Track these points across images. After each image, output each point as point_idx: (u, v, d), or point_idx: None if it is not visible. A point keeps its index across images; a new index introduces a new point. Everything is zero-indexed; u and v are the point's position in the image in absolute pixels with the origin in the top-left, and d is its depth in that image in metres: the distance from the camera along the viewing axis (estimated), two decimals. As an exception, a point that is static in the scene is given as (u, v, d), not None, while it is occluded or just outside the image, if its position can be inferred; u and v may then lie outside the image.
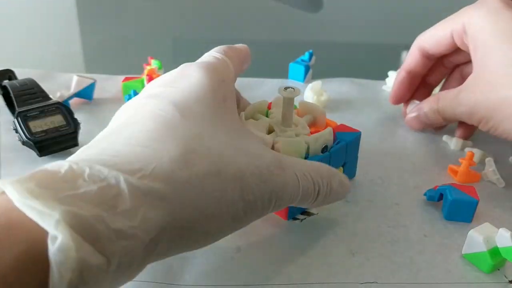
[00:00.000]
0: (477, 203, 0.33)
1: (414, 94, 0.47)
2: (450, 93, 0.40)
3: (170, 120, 0.24)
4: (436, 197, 0.35)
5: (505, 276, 0.30)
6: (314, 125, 0.35)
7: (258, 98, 0.37)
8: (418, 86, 0.47)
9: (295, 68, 0.55)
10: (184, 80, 0.27)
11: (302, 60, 0.55)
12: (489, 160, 0.39)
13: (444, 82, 0.47)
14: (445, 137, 0.44)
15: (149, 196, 0.21)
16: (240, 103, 0.36)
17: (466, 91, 0.38)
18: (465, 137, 0.44)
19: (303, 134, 0.33)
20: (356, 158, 0.37)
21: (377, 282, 0.29)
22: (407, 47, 0.45)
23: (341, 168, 0.35)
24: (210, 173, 0.23)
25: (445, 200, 0.34)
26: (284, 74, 0.56)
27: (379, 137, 0.45)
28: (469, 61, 0.42)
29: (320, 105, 0.49)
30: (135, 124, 0.24)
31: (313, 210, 0.34)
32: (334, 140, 0.34)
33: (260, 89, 0.53)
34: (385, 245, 0.32)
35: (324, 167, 0.30)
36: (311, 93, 0.49)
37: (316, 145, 0.32)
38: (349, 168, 0.37)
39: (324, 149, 0.33)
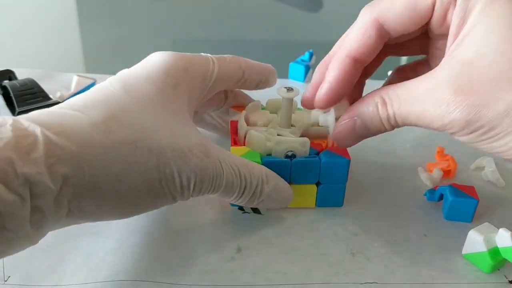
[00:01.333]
0: (477, 203, 0.33)
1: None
2: (411, 91, 0.27)
3: (110, 92, 0.27)
4: (436, 197, 0.35)
5: (505, 276, 0.30)
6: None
7: (258, 97, 0.37)
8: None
9: (295, 68, 0.55)
10: (145, 61, 0.30)
11: (302, 60, 0.55)
12: (489, 160, 0.39)
13: (394, 73, 0.35)
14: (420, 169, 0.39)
15: (62, 151, 0.23)
16: (228, 98, 0.38)
17: (453, 90, 0.25)
18: None
19: (285, 135, 0.33)
20: (342, 185, 0.34)
21: (377, 283, 0.29)
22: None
23: (314, 186, 0.34)
24: (125, 141, 0.25)
25: (445, 200, 0.34)
26: (284, 74, 0.56)
27: (379, 137, 0.45)
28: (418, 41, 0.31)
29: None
30: (82, 95, 0.27)
31: (261, 210, 0.34)
32: (318, 154, 0.33)
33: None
34: (385, 245, 0.32)
35: (259, 168, 0.30)
36: (311, 93, 0.49)
37: (277, 147, 0.32)
38: (330, 193, 0.34)
39: (292, 156, 0.32)
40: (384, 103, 0.28)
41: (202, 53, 0.32)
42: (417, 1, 0.28)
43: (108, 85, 0.28)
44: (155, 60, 0.30)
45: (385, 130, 0.30)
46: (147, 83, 0.28)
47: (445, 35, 0.28)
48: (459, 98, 0.25)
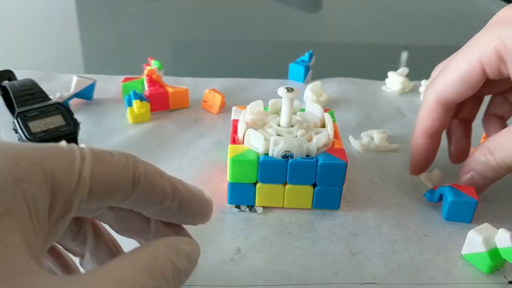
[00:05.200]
0: (476, 203, 0.33)
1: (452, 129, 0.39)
2: (506, 137, 0.32)
3: None
4: (436, 197, 0.35)
5: (505, 277, 0.30)
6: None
7: (258, 98, 0.37)
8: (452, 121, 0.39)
9: (295, 68, 0.55)
10: None
11: (302, 61, 0.55)
12: None
13: (486, 114, 0.39)
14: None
15: None
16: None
17: None
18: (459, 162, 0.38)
19: (284, 135, 0.33)
20: (338, 187, 0.33)
21: (376, 283, 0.29)
22: (407, 47, 0.45)
23: (311, 188, 0.34)
24: None
25: (445, 200, 0.34)
26: (284, 74, 0.56)
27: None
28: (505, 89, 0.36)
29: (320, 105, 0.49)
30: None
31: (257, 209, 0.34)
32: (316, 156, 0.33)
33: (260, 89, 0.53)
34: (385, 245, 0.32)
35: (161, 251, 0.20)
36: (311, 93, 0.49)
37: (274, 147, 0.32)
38: (326, 196, 0.34)
39: (289, 157, 0.32)
40: (489, 151, 0.33)
41: (64, 142, 0.19)
42: (468, 73, 0.32)
43: None
44: None
45: (503, 174, 0.33)
46: None
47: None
48: None
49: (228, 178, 0.33)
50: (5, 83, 0.43)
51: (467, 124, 0.39)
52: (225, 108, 0.48)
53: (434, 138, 0.36)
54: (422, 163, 0.38)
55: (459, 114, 0.38)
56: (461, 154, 0.38)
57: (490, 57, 0.31)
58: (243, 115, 0.35)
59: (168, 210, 0.22)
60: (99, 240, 0.24)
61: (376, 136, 0.43)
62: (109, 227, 0.25)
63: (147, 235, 0.24)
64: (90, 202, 0.19)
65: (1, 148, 0.17)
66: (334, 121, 0.36)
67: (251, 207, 0.34)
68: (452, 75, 0.33)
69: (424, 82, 0.52)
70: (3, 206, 0.16)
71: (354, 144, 0.43)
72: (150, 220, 0.24)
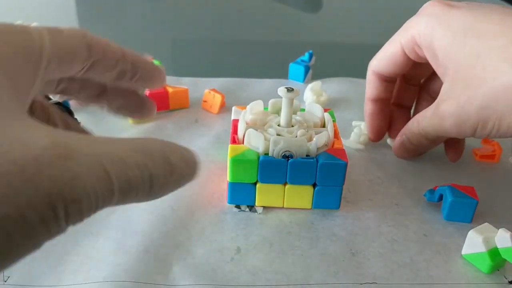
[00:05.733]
0: (476, 203, 0.33)
1: (394, 123, 0.44)
2: (428, 111, 0.37)
3: None
4: (436, 197, 0.35)
5: (505, 277, 0.30)
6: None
7: (258, 98, 0.37)
8: (395, 113, 0.44)
9: (295, 68, 0.55)
10: None
11: (302, 61, 0.55)
12: None
13: (415, 105, 0.44)
14: None
15: None
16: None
17: (446, 101, 0.34)
18: (456, 159, 0.41)
19: (284, 135, 0.33)
20: (338, 187, 0.33)
21: (376, 283, 0.29)
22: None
23: (311, 188, 0.33)
24: None
25: (445, 200, 0.34)
26: (284, 74, 0.56)
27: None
28: (432, 74, 0.41)
29: (320, 105, 0.49)
30: None
31: (257, 209, 0.34)
32: (316, 156, 0.33)
33: (260, 89, 0.53)
34: (385, 245, 0.32)
35: (155, 141, 0.20)
36: (311, 93, 0.49)
37: (274, 147, 0.32)
38: (326, 196, 0.34)
39: (289, 156, 0.32)
40: (416, 121, 0.38)
41: (19, 22, 0.22)
42: (393, 53, 0.39)
43: None
44: None
45: (427, 144, 0.39)
46: None
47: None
48: (451, 105, 0.34)
49: (228, 178, 0.33)
50: (5, 82, 0.43)
51: (406, 112, 0.45)
52: (225, 108, 0.48)
53: (377, 104, 0.42)
54: (374, 128, 0.43)
55: (401, 102, 0.44)
56: (377, 130, 0.43)
57: (408, 42, 0.37)
58: (243, 115, 0.35)
59: (124, 73, 0.25)
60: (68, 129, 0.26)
61: (363, 125, 0.44)
62: (75, 99, 0.27)
63: (107, 96, 0.27)
64: (53, 68, 0.21)
65: None
66: (334, 121, 0.36)
67: (251, 207, 0.34)
68: (383, 54, 0.40)
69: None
70: None
71: (347, 143, 0.43)
72: (107, 86, 0.27)
